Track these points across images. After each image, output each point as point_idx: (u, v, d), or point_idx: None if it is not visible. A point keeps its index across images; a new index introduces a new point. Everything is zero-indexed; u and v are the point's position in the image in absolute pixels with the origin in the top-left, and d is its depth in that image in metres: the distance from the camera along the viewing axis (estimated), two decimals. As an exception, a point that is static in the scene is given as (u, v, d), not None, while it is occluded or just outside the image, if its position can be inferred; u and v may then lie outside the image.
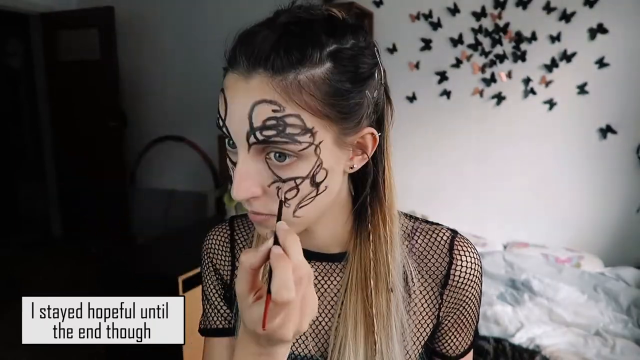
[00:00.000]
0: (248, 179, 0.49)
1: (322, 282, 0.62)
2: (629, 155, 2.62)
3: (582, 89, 2.67)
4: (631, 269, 2.41)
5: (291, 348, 0.61)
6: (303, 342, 0.62)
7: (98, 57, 3.87)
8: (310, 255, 0.61)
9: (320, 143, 0.48)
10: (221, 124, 0.50)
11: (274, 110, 0.46)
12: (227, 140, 0.51)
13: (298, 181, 0.49)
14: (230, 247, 0.69)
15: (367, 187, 0.57)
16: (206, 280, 0.72)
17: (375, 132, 0.53)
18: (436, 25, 2.94)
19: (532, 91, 2.77)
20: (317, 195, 0.51)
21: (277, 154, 0.48)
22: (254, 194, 0.49)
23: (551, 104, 2.74)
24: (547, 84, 2.73)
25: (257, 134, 0.47)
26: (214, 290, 0.71)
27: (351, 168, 0.54)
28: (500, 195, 2.92)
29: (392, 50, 3.06)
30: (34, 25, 4.20)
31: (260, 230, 0.54)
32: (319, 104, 0.47)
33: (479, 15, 2.83)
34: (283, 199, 0.50)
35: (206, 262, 0.72)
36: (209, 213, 3.73)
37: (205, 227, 2.65)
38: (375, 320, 0.56)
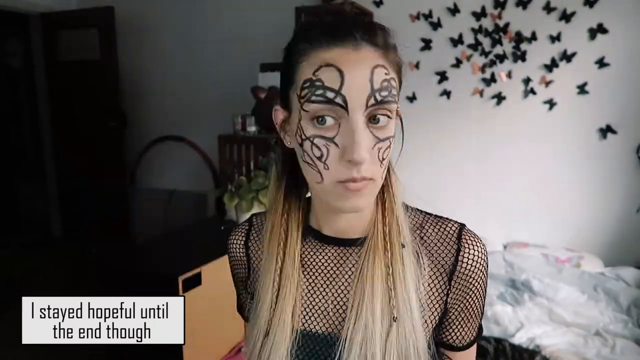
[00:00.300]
0: (367, 142, 0.54)
1: (338, 264, 0.65)
2: (629, 155, 2.62)
3: (582, 89, 2.67)
4: (631, 269, 2.41)
5: (311, 326, 0.65)
6: (322, 319, 0.64)
7: (98, 57, 3.87)
8: (330, 240, 0.66)
9: (398, 107, 0.57)
10: (331, 95, 0.53)
11: (385, 73, 0.55)
12: (315, 120, 0.55)
13: (391, 140, 0.57)
14: (245, 244, 0.73)
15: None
16: (233, 277, 0.77)
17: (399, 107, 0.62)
18: (436, 25, 2.94)
19: (532, 91, 2.77)
20: (388, 160, 0.58)
21: (374, 117, 0.55)
22: (368, 156, 0.54)
23: (551, 104, 2.74)
24: (547, 84, 2.73)
25: (377, 94, 0.53)
26: (239, 289, 0.77)
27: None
28: (501, 195, 2.92)
29: (392, 50, 3.06)
30: (34, 25, 4.20)
31: (351, 202, 0.56)
32: (398, 70, 0.59)
33: (479, 15, 2.83)
34: (381, 159, 0.56)
35: (230, 262, 0.76)
36: (209, 213, 3.73)
37: (205, 227, 2.67)
38: (391, 276, 0.59)
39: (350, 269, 0.64)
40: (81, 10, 4.01)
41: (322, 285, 0.65)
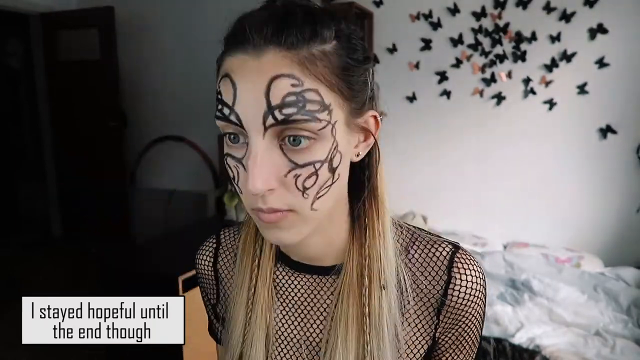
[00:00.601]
0: (265, 168, 0.45)
1: (312, 295, 0.59)
2: (629, 155, 2.62)
3: (582, 89, 2.67)
4: (631, 269, 2.41)
5: (279, 356, 0.60)
6: (295, 352, 0.59)
7: (98, 57, 3.88)
8: (301, 267, 0.59)
9: (335, 123, 0.46)
10: (227, 112, 0.45)
11: (293, 85, 0.44)
12: (227, 136, 0.48)
13: (317, 165, 0.46)
14: (213, 263, 0.67)
15: (366, 180, 0.55)
16: (202, 297, 0.73)
17: (377, 114, 0.52)
18: (436, 25, 2.94)
19: (532, 91, 2.77)
20: (332, 183, 0.48)
21: (292, 138, 0.45)
22: (272, 185, 0.46)
23: (551, 104, 2.74)
24: (547, 84, 2.73)
25: (276, 112, 0.43)
26: (208, 309, 0.73)
27: (357, 155, 0.53)
28: (501, 195, 2.92)
29: (392, 50, 3.06)
30: (34, 25, 4.20)
31: (272, 234, 0.49)
32: (333, 77, 0.46)
33: (479, 15, 2.83)
34: (301, 188, 0.46)
35: (198, 282, 0.72)
36: (209, 213, 3.73)
37: (205, 227, 2.67)
38: (367, 319, 0.53)
39: (325, 301, 0.58)
40: (81, 10, 4.01)
41: (296, 319, 0.60)
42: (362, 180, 0.56)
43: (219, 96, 0.47)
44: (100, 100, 3.93)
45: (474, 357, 0.60)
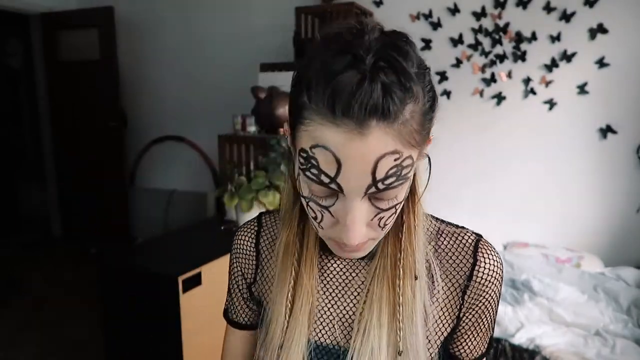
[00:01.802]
0: (363, 224, 0.51)
1: (347, 274, 0.64)
2: (629, 155, 2.62)
3: (582, 89, 2.67)
4: (631, 269, 2.41)
5: (317, 337, 0.63)
6: (328, 330, 0.63)
7: (98, 57, 3.88)
8: None
9: (414, 164, 0.50)
10: (326, 180, 0.47)
11: (395, 159, 0.47)
12: (316, 187, 0.49)
13: (398, 207, 0.52)
14: (255, 243, 0.70)
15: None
16: (232, 277, 0.74)
17: (432, 135, 0.56)
18: (436, 25, 2.94)
19: (532, 91, 2.77)
20: (393, 219, 0.54)
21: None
22: (365, 236, 0.52)
23: (551, 104, 2.74)
24: (547, 84, 2.73)
25: (379, 184, 0.47)
26: (237, 290, 0.73)
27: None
28: (501, 195, 2.92)
29: (392, 50, 3.06)
30: (34, 25, 4.20)
31: (346, 255, 0.55)
32: (419, 136, 0.49)
33: (479, 15, 2.83)
34: (382, 226, 0.52)
35: (233, 261, 0.73)
36: (208, 213, 3.73)
37: (206, 227, 2.67)
38: (401, 307, 0.57)
39: (358, 280, 0.63)
40: (81, 10, 4.01)
41: (330, 295, 0.64)
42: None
43: (314, 161, 0.47)
44: (100, 100, 3.93)
45: (487, 343, 0.65)
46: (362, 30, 0.48)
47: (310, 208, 0.53)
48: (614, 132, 2.63)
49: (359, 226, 0.50)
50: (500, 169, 2.91)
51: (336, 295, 0.64)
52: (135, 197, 4.15)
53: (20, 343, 2.70)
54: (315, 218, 0.53)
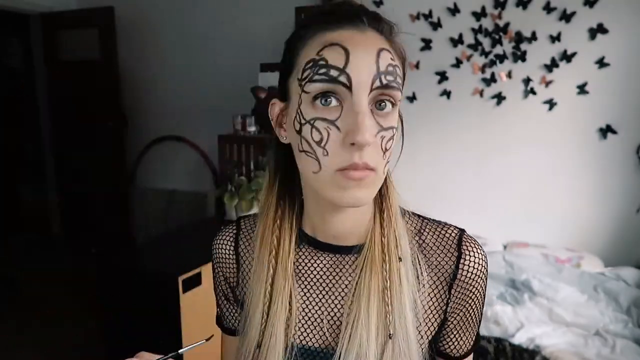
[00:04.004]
0: (370, 123, 0.51)
1: (334, 273, 0.63)
2: (629, 155, 2.62)
3: (582, 89, 2.67)
4: (631, 269, 2.41)
5: (304, 340, 0.62)
6: (317, 333, 0.62)
7: (98, 57, 3.88)
8: (324, 247, 0.63)
9: (400, 100, 0.55)
10: (335, 74, 0.51)
11: (391, 59, 0.53)
12: (319, 99, 0.52)
13: (393, 131, 0.55)
14: (235, 247, 0.70)
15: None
16: (215, 284, 0.74)
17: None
18: (436, 25, 2.94)
19: (532, 91, 2.77)
20: (390, 153, 0.56)
21: (380, 103, 0.53)
22: (373, 139, 0.52)
23: (551, 104, 2.74)
24: (547, 84, 2.73)
25: (383, 77, 0.51)
26: (221, 295, 0.73)
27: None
28: (501, 195, 2.92)
29: (392, 50, 3.06)
30: (34, 25, 4.20)
31: (351, 194, 0.53)
32: (402, 64, 0.57)
33: (479, 15, 2.83)
34: (384, 149, 0.53)
35: (214, 267, 0.73)
36: (209, 213, 3.73)
37: (206, 227, 2.67)
38: (388, 291, 0.57)
39: (346, 278, 0.62)
40: (81, 10, 4.01)
41: (317, 296, 0.63)
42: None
43: (322, 62, 0.52)
44: (100, 100, 3.93)
45: (474, 338, 0.65)
46: None
47: (316, 129, 0.52)
48: (614, 132, 2.63)
49: (369, 120, 0.51)
50: (500, 168, 2.91)
51: (323, 296, 0.63)
52: (135, 197, 4.15)
53: (20, 343, 2.70)
54: (320, 141, 0.52)
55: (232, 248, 0.70)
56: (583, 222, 2.76)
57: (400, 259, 0.58)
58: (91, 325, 2.78)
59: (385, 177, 0.61)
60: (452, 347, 0.64)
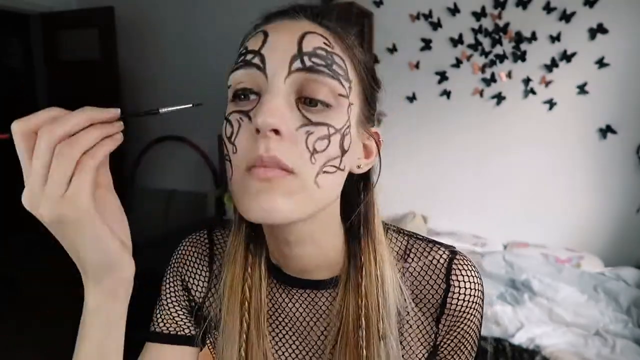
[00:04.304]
0: (280, 108, 0.43)
1: (308, 312, 0.57)
2: (629, 155, 2.62)
3: (582, 89, 2.67)
4: (631, 269, 2.41)
5: None
6: None
7: (98, 57, 3.87)
8: (294, 282, 0.56)
9: (351, 105, 0.47)
10: (250, 57, 0.45)
11: (325, 43, 0.46)
12: (238, 96, 0.46)
13: (331, 131, 0.44)
14: (209, 262, 0.63)
15: (362, 196, 0.54)
16: (167, 288, 0.66)
17: (380, 134, 0.52)
18: (436, 25, 2.94)
19: (532, 91, 2.77)
20: (338, 169, 0.45)
21: (310, 100, 0.44)
22: (282, 127, 0.42)
23: (551, 104, 2.74)
24: (547, 84, 2.73)
25: (305, 58, 0.44)
26: (173, 299, 0.65)
27: (358, 167, 0.51)
28: (500, 195, 2.92)
29: (392, 50, 3.06)
30: (34, 25, 4.20)
31: (263, 201, 0.43)
32: (360, 63, 0.49)
33: (479, 15, 2.83)
34: (311, 149, 0.43)
35: (174, 270, 0.66)
36: (209, 213, 3.73)
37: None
38: (367, 348, 0.51)
39: (322, 317, 0.56)
40: (81, 10, 4.01)
41: (294, 342, 0.58)
42: (355, 204, 0.54)
43: (243, 50, 0.47)
44: (100, 100, 3.92)
45: (474, 357, 0.60)
46: None
47: (229, 123, 0.46)
48: (614, 132, 2.63)
49: (279, 110, 0.42)
50: (500, 168, 2.91)
51: (301, 341, 0.58)
52: (135, 197, 4.15)
53: (20, 343, 2.70)
54: (231, 136, 0.45)
55: (205, 259, 0.63)
56: (583, 222, 2.75)
57: (382, 338, 0.51)
58: (91, 325, 2.78)
59: (366, 225, 0.53)
60: None
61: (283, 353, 0.58)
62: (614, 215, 2.69)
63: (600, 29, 2.58)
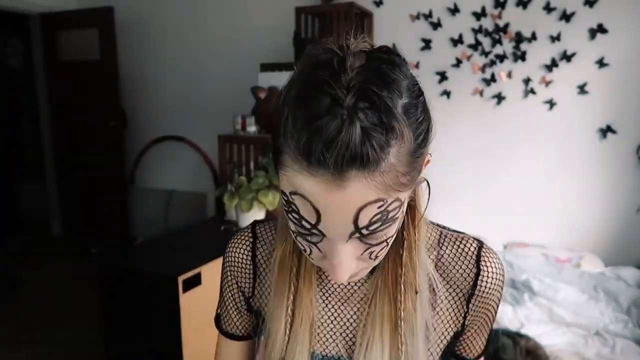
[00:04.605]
0: (351, 261, 0.49)
1: (348, 288, 0.64)
2: (629, 155, 2.62)
3: (582, 89, 2.67)
4: (631, 269, 2.41)
5: (321, 349, 0.63)
6: (332, 343, 0.63)
7: (98, 57, 3.87)
8: None
9: (404, 201, 0.48)
10: (308, 226, 0.46)
11: (379, 207, 0.44)
12: (301, 226, 0.47)
13: (389, 241, 0.50)
14: (252, 256, 0.68)
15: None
16: (226, 288, 0.72)
17: (430, 154, 0.53)
18: (436, 25, 2.94)
19: (532, 91, 2.77)
20: (385, 249, 0.52)
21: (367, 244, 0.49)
22: (353, 271, 0.50)
23: (551, 104, 2.74)
24: (547, 84, 2.73)
25: (363, 230, 0.45)
26: (231, 301, 0.71)
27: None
28: (501, 195, 2.92)
29: (392, 50, 3.06)
30: (34, 25, 4.20)
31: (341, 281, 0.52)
32: (407, 177, 0.45)
33: (479, 15, 2.83)
34: (374, 258, 0.51)
35: (226, 273, 0.71)
36: (208, 213, 3.73)
37: (205, 227, 2.67)
38: (402, 321, 0.57)
39: (361, 294, 0.63)
40: (81, 10, 4.01)
41: (335, 310, 0.64)
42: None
43: (294, 206, 0.46)
44: (100, 100, 3.93)
45: (487, 339, 0.67)
46: (344, 59, 0.43)
47: (299, 241, 0.51)
48: (614, 132, 2.63)
49: (347, 265, 0.49)
50: (500, 168, 2.91)
51: (338, 308, 0.64)
52: (135, 197, 4.15)
53: (20, 343, 2.70)
54: (305, 251, 0.52)
55: (249, 257, 0.68)
56: (583, 222, 2.76)
57: (417, 292, 0.58)
58: (91, 325, 2.78)
59: (413, 215, 0.59)
60: (468, 350, 0.66)
61: (324, 323, 0.64)
62: (614, 215, 2.69)
63: (600, 29, 2.58)
